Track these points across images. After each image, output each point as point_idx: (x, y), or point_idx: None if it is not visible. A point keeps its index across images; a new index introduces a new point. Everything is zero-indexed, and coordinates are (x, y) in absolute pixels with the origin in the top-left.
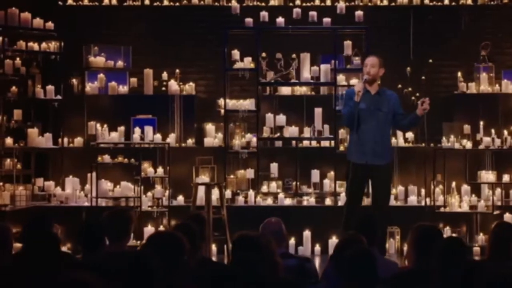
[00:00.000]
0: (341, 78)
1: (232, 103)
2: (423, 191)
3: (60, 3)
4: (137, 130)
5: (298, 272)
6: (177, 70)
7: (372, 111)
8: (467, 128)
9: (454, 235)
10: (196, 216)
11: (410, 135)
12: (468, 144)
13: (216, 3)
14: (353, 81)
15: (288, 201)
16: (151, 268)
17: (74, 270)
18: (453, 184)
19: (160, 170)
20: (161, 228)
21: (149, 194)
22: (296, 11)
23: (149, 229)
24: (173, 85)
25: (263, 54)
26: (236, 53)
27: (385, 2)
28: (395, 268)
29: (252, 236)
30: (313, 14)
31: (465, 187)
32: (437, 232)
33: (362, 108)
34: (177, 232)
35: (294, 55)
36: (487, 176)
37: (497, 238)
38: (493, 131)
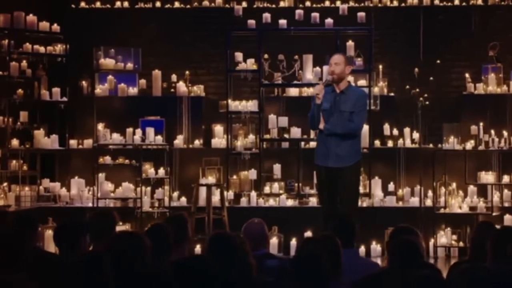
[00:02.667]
0: (349, 79)
1: (234, 105)
2: (424, 192)
3: (73, 6)
4: (138, 131)
5: (279, 272)
6: (187, 72)
7: (334, 111)
8: (474, 129)
9: (454, 236)
10: (176, 217)
11: (417, 136)
12: (468, 145)
13: (227, 5)
14: (361, 82)
15: (290, 202)
16: (102, 268)
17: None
18: (454, 185)
19: (161, 171)
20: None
21: (155, 195)
22: (299, 12)
23: None
24: (182, 86)
25: (266, 56)
26: (239, 55)
27: (395, 3)
28: (376, 268)
29: (227, 236)
30: (315, 15)
31: (471, 188)
32: (407, 233)
33: (326, 108)
34: (138, 233)
35: (296, 57)
36: (487, 177)
37: (476, 237)
38: (492, 131)
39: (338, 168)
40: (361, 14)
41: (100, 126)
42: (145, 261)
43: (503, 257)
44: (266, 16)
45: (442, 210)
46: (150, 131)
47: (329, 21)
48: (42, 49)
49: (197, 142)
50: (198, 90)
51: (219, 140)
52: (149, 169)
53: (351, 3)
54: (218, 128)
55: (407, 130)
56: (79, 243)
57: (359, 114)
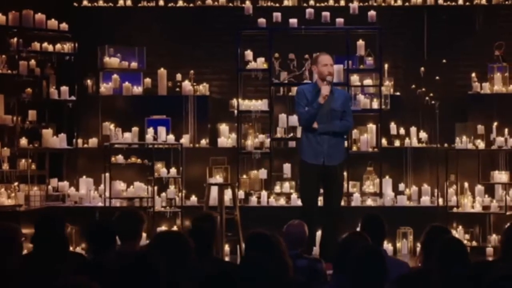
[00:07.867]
0: (355, 78)
1: (245, 104)
2: (436, 191)
3: (75, 4)
4: (150, 130)
5: (308, 272)
6: (192, 71)
7: (327, 111)
8: (481, 128)
9: (466, 235)
10: (207, 216)
11: (423, 135)
12: (481, 145)
13: (230, 4)
14: (367, 81)
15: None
16: (156, 268)
17: (73, 275)
18: (466, 184)
19: (173, 170)
20: (175, 228)
21: (163, 194)
22: (309, 11)
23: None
24: (187, 85)
25: (276, 55)
26: (249, 54)
27: (399, 2)
28: (405, 268)
29: (265, 234)
30: (326, 14)
31: (479, 188)
32: (444, 232)
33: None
34: (182, 232)
35: (307, 56)
36: (500, 176)
37: (508, 238)
38: (506, 131)
39: (331, 166)
40: (372, 13)
41: (112, 126)
42: (189, 262)
43: None
44: (277, 15)
45: (454, 210)
46: (162, 130)
47: (339, 20)
48: (50, 47)
49: (203, 142)
50: (204, 89)
51: (225, 139)
52: (161, 169)
53: (356, 3)
54: (224, 127)
55: (413, 130)
56: (114, 243)
57: (351, 114)
